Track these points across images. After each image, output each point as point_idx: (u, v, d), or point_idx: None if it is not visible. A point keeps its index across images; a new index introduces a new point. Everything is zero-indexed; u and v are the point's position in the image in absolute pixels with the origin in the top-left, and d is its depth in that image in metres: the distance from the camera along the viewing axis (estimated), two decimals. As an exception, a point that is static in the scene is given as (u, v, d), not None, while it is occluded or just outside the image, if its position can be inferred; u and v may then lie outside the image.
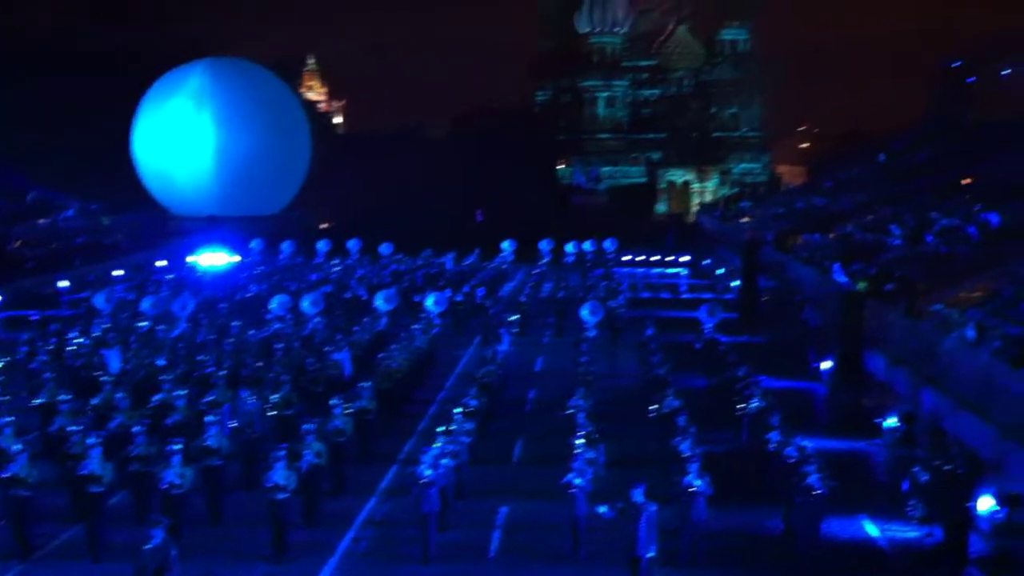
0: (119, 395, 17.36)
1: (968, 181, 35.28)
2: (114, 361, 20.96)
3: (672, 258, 47.55)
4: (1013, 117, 39.37)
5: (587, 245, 46.86)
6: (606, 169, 71.34)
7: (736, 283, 36.00)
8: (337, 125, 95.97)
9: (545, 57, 74.66)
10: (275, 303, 28.81)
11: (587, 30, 71.35)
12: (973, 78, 46.15)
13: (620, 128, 72.71)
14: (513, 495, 16.00)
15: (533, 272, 40.97)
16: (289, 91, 61.53)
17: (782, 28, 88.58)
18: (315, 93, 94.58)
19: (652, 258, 47.90)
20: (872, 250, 30.41)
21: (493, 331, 28.26)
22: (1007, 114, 41.17)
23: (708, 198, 69.59)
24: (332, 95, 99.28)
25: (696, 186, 71.64)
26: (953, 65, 45.38)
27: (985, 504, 13.27)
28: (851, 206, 40.63)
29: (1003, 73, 43.49)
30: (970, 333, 18.62)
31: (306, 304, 28.70)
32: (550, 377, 24.93)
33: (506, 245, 45.31)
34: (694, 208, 68.59)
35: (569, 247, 46.73)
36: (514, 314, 31.53)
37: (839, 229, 36.76)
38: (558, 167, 72.73)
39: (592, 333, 27.41)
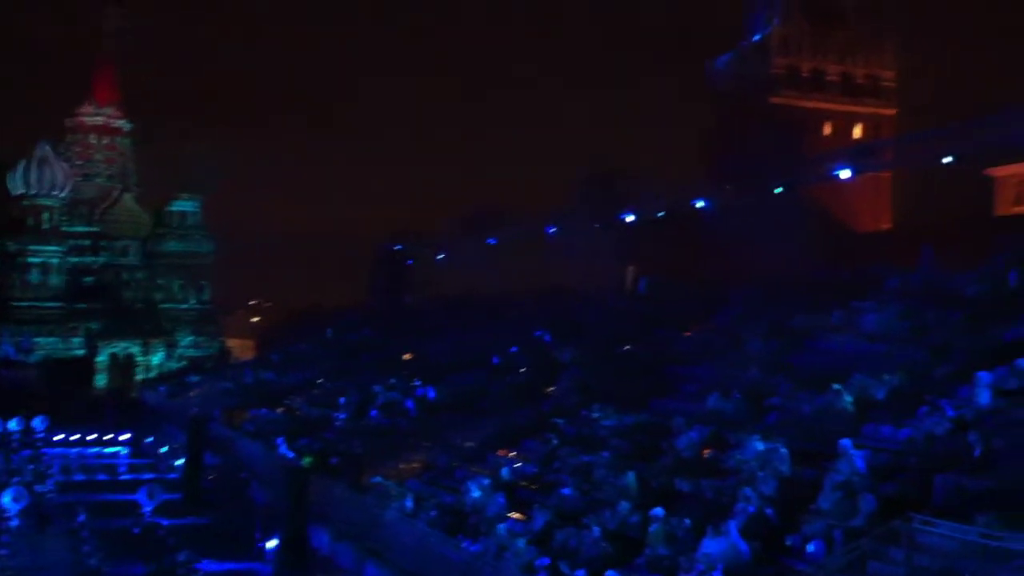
0: None
1: (408, 357, 37.22)
2: None
3: (111, 436, 44.44)
4: (446, 299, 42.51)
5: (13, 424, 42.41)
6: (39, 340, 65.98)
7: (181, 461, 34.42)
8: None
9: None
10: None
11: (21, 192, 66.80)
12: (411, 261, 49.44)
13: (57, 296, 68.07)
14: None
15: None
16: None
17: (234, 201, 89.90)
18: None
19: (89, 437, 44.39)
20: (318, 424, 30.65)
21: None
22: (442, 296, 44.41)
23: (153, 372, 66.88)
24: None
25: (141, 359, 68.71)
26: (395, 248, 48.36)
27: None
28: (299, 381, 41.02)
29: (438, 258, 47.08)
30: (408, 503, 18.96)
31: None
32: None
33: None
34: (138, 382, 65.39)
35: (-7, 426, 41.98)
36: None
37: (287, 403, 36.81)
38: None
39: (15, 522, 24.62)
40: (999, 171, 54.95)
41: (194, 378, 55.87)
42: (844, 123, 67.81)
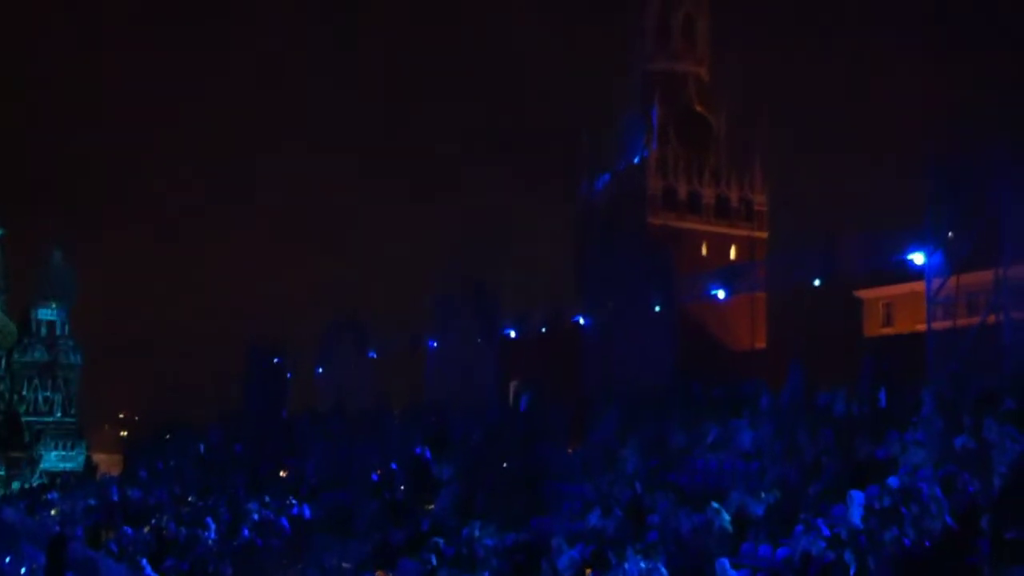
0: None
1: (283, 474, 36.23)
2: None
3: (-38, 558, 41.76)
4: (323, 412, 41.74)
5: None
6: None
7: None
8: None
9: None
10: None
11: None
12: (289, 374, 48.59)
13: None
14: None
15: None
16: None
17: (104, 310, 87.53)
18: None
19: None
20: (187, 545, 29.38)
21: None
22: (318, 409, 43.60)
23: (13, 487, 63.66)
24: None
25: (2, 473, 65.47)
26: (271, 359, 47.50)
27: None
28: (167, 498, 39.45)
29: (316, 370, 46.38)
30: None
31: None
32: None
33: None
34: (-5, 499, 62.06)
35: None
36: None
37: (154, 522, 35.29)
38: None
39: None
40: (867, 293, 57.19)
41: (56, 494, 53.27)
42: (720, 244, 70.08)
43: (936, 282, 24.40)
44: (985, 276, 23.42)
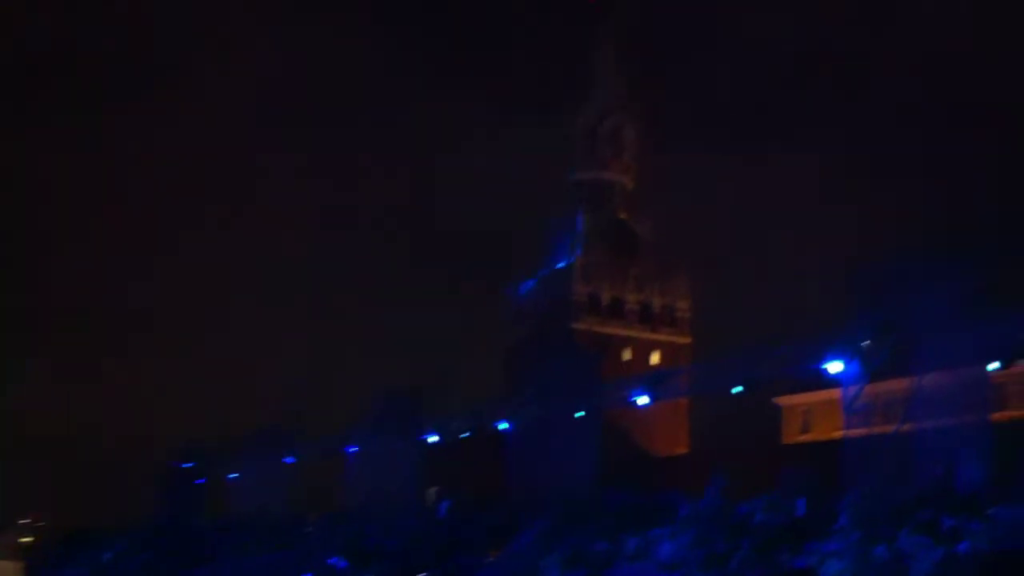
0: None
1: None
2: None
3: None
4: (237, 520, 40.52)
5: None
6: None
7: None
8: None
9: None
10: None
11: None
12: (203, 479, 47.23)
13: None
14: None
15: None
16: None
17: (9, 410, 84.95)
18: None
19: None
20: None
21: None
22: (232, 517, 42.33)
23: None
24: None
25: None
26: (183, 465, 46.17)
27: None
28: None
29: (230, 476, 45.15)
30: None
31: None
32: None
33: None
34: None
35: None
36: None
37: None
38: None
39: None
40: (786, 400, 57.74)
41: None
42: (643, 350, 70.59)
43: (852, 390, 24.64)
44: (900, 384, 23.70)
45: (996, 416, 26.63)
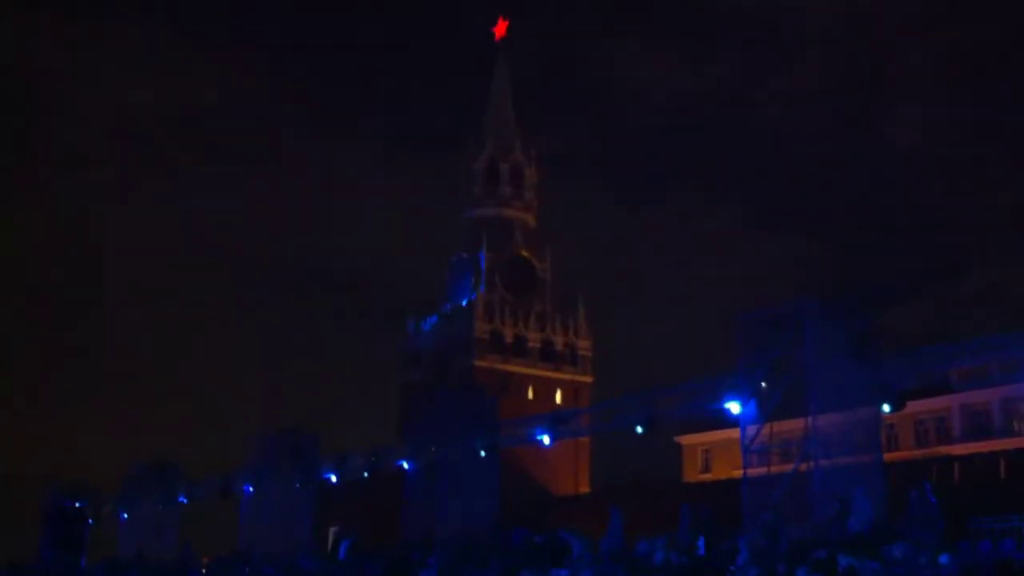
0: None
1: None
2: None
3: None
4: (124, 561, 39.09)
5: None
6: None
7: None
8: None
9: None
10: None
11: None
12: (91, 520, 45.59)
13: None
14: None
15: None
16: None
17: None
18: None
19: None
20: None
21: None
22: (119, 558, 40.83)
23: None
24: None
25: None
26: (69, 504, 44.46)
27: None
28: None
29: (120, 516, 43.62)
30: None
31: None
32: None
33: None
34: None
35: None
36: None
37: None
38: None
39: None
40: (686, 439, 58.20)
41: None
42: (545, 388, 70.50)
43: (751, 430, 24.90)
44: (796, 425, 24.04)
45: (888, 456, 27.21)
